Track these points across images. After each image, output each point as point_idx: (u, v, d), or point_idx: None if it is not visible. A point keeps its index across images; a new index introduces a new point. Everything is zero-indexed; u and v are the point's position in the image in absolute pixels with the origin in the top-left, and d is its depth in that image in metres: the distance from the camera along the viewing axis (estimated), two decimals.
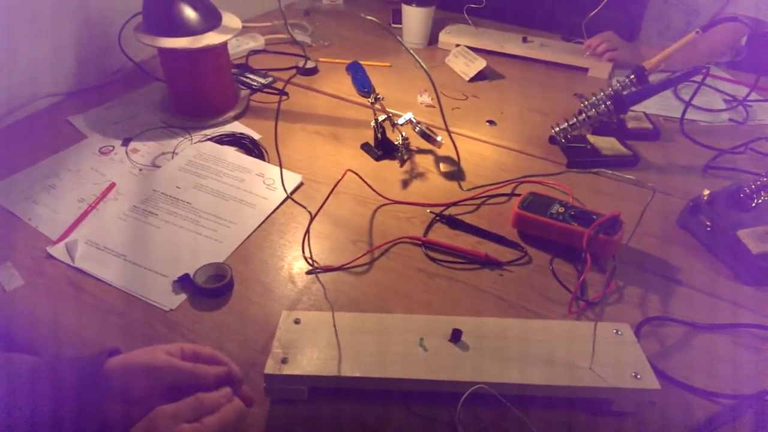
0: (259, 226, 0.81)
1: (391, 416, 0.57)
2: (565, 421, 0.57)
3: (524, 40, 1.36)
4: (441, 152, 0.99)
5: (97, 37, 1.11)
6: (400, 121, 0.96)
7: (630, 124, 1.06)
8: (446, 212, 0.85)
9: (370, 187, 0.87)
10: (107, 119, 1.04)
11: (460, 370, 0.57)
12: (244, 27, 1.06)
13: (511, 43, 1.36)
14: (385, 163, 0.97)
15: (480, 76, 1.25)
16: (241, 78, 1.19)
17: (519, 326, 0.63)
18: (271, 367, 0.56)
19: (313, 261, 0.74)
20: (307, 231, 0.66)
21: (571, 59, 1.32)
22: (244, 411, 0.51)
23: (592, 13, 1.29)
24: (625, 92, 0.97)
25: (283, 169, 0.64)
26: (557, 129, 1.00)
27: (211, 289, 0.69)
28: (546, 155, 1.00)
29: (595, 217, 0.75)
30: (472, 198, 0.88)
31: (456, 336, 0.59)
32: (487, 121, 1.10)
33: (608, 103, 0.95)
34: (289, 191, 0.74)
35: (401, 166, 0.96)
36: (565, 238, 0.76)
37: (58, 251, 0.74)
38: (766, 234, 0.74)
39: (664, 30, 1.46)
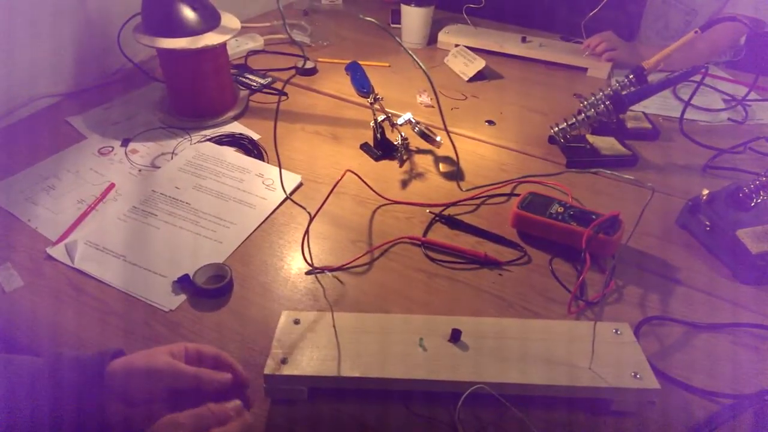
0: (258, 227, 0.81)
1: (391, 416, 0.57)
2: (564, 421, 0.57)
3: (523, 40, 1.36)
4: (440, 152, 0.99)
5: (97, 38, 1.11)
6: (400, 121, 0.96)
7: (629, 124, 1.06)
8: (446, 212, 0.85)
9: (370, 187, 0.87)
10: (106, 120, 1.04)
11: (460, 370, 0.57)
12: (243, 27, 1.06)
13: (511, 43, 1.36)
14: (385, 163, 0.97)
15: (479, 76, 1.25)
16: (240, 78, 1.19)
17: (518, 326, 0.63)
18: (270, 367, 0.56)
19: (312, 261, 0.74)
20: (307, 231, 0.66)
21: (570, 59, 1.32)
22: (251, 426, 0.51)
23: (592, 13, 1.29)
24: (624, 92, 0.97)
25: (283, 170, 0.65)
26: (556, 129, 1.00)
27: (211, 289, 0.69)
28: (545, 155, 1.00)
29: (594, 216, 0.75)
30: (472, 198, 0.88)
31: (456, 336, 0.59)
32: (487, 121, 1.10)
33: (607, 102, 0.95)
34: (288, 191, 0.74)
35: (400, 166, 0.96)
36: (565, 238, 0.76)
37: (57, 252, 0.74)
38: (766, 233, 0.74)
39: (662, 30, 1.46)
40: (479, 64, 1.24)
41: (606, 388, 0.56)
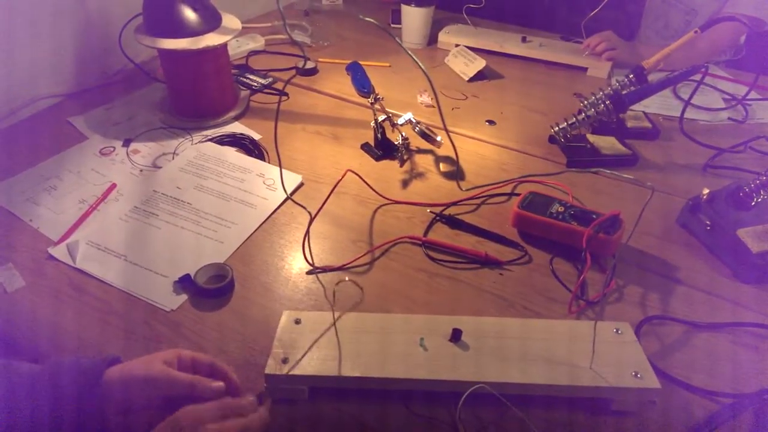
0: (259, 227, 0.81)
1: (391, 416, 0.57)
2: (565, 420, 0.57)
3: (523, 39, 1.36)
4: (441, 152, 0.99)
5: (98, 38, 1.12)
6: (400, 121, 0.96)
7: (629, 124, 1.06)
8: (446, 212, 0.85)
9: (370, 187, 0.87)
10: (108, 120, 1.04)
11: (461, 370, 0.57)
12: (243, 28, 1.06)
13: (511, 43, 1.36)
14: (385, 163, 0.97)
15: (479, 76, 1.25)
16: (241, 78, 1.19)
17: (519, 326, 0.63)
18: (271, 367, 0.56)
19: (313, 261, 0.74)
20: (308, 231, 0.67)
21: (570, 59, 1.32)
22: (268, 422, 0.52)
23: (592, 13, 1.29)
24: (624, 91, 0.97)
25: (284, 170, 0.65)
26: (557, 128, 1.00)
27: (212, 289, 0.69)
28: (545, 155, 1.00)
29: (594, 216, 0.75)
30: (472, 198, 0.88)
31: (456, 336, 0.59)
32: (487, 121, 1.10)
33: (607, 102, 0.95)
34: (289, 191, 0.74)
35: (401, 166, 0.96)
36: (565, 238, 0.77)
37: (59, 252, 0.74)
38: (766, 233, 0.74)
39: (662, 29, 1.46)
40: (479, 64, 1.25)
41: (607, 387, 0.56)
